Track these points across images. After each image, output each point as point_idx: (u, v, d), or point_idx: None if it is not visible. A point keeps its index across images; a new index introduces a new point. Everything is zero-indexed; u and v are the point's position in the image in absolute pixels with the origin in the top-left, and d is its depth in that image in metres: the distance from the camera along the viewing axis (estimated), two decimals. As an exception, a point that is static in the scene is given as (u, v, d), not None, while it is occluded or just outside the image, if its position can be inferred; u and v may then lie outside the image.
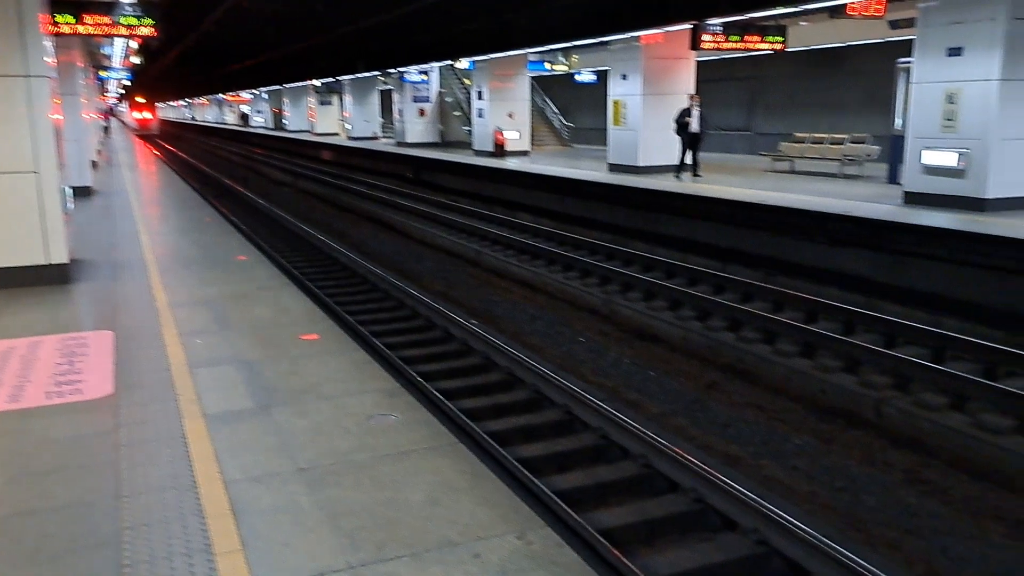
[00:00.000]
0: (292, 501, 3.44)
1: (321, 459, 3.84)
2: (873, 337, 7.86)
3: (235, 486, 3.58)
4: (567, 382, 6.50)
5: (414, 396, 4.86)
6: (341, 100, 37.44)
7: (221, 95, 54.95)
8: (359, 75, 30.03)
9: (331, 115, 39.31)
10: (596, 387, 7.16)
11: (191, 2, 17.62)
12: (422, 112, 29.39)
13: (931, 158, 10.69)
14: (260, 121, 51.79)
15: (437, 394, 6.28)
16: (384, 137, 35.12)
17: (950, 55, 10.28)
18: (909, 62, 11.41)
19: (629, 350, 8.38)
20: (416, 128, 29.26)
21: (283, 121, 45.26)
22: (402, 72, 27.42)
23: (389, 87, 32.10)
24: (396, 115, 30.22)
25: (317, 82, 35.49)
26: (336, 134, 38.55)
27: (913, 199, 10.98)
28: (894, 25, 15.22)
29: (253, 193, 21.24)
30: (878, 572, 3.81)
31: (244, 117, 55.91)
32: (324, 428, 4.21)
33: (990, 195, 10.10)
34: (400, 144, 29.54)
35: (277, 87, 42.20)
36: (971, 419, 6.06)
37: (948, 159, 10.44)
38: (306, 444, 4.02)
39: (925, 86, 10.74)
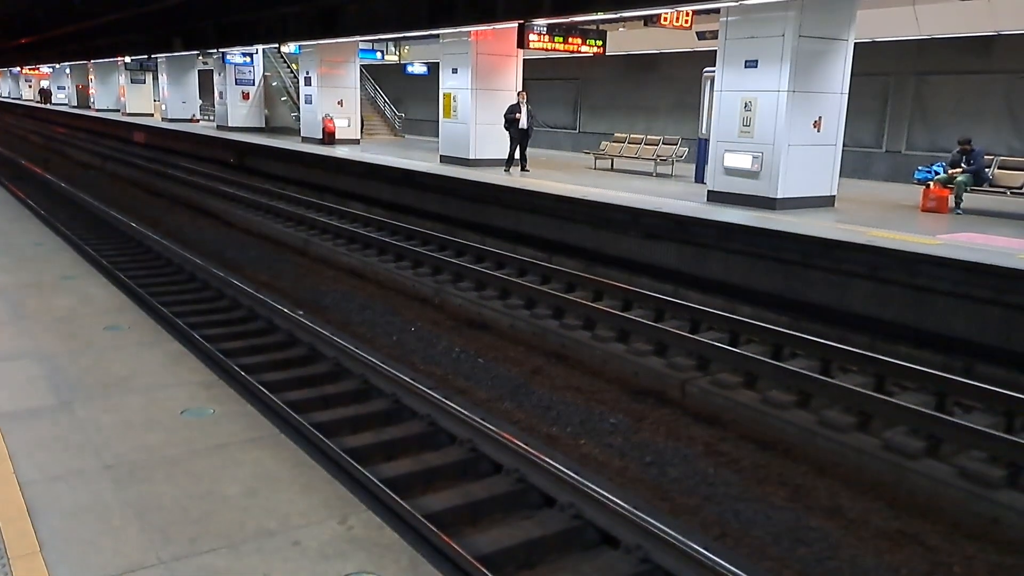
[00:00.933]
0: (97, 499, 3.30)
1: (130, 455, 3.69)
2: (680, 323, 8.50)
3: (32, 487, 3.38)
4: (396, 371, 6.57)
5: (234, 389, 4.76)
6: (156, 79, 35.12)
7: (16, 68, 49.86)
8: (176, 53, 28.31)
9: (144, 94, 36.80)
10: (425, 375, 7.28)
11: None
12: (246, 96, 28.16)
13: (731, 160, 11.67)
14: (62, 98, 47.49)
15: (257, 385, 6.14)
16: (204, 119, 33.33)
17: (747, 67, 11.26)
18: (713, 71, 12.36)
19: (459, 339, 8.56)
20: (239, 112, 28.00)
21: (90, 99, 41.76)
22: (224, 53, 26.14)
23: (209, 68, 30.50)
24: (217, 97, 28.79)
25: (128, 59, 33.08)
26: (150, 115, 36.15)
27: (716, 197, 11.93)
28: (701, 36, 16.41)
29: (55, 176, 19.53)
30: (679, 536, 4.19)
31: (45, 93, 50.96)
32: (134, 423, 4.03)
33: (780, 195, 11.17)
34: (221, 128, 28.18)
35: (83, 62, 38.89)
36: (760, 396, 6.73)
37: (745, 162, 11.44)
38: (113, 440, 3.84)
39: (726, 94, 11.70)
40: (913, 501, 5.31)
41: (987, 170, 11.84)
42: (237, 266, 11.38)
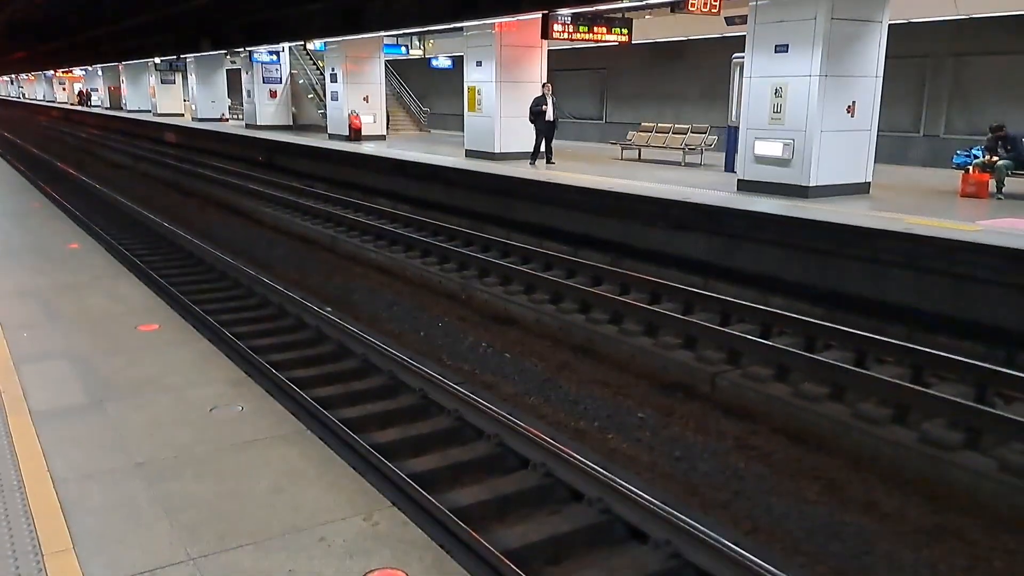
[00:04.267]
0: (128, 497, 3.33)
1: (160, 453, 3.73)
2: (709, 316, 8.38)
3: (65, 484, 3.42)
4: (424, 367, 6.56)
5: (263, 386, 4.78)
6: (185, 79, 35.52)
7: (51, 72, 50.74)
8: (204, 53, 28.59)
9: (174, 94, 37.25)
10: (453, 371, 7.27)
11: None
12: (273, 94, 28.36)
13: (761, 148, 11.48)
14: (95, 100, 48.25)
15: (285, 380, 6.17)
16: (233, 119, 33.66)
17: (777, 52, 11.05)
18: (742, 57, 12.16)
19: (486, 334, 8.54)
20: (267, 110, 28.21)
21: (121, 100, 42.37)
22: (251, 52, 26.35)
23: (237, 67, 30.77)
24: (245, 96, 29.03)
25: (158, 59, 33.50)
26: (180, 115, 36.57)
27: (746, 186, 11.74)
28: (730, 21, 16.15)
29: (88, 177, 19.84)
30: (708, 530, 4.12)
31: (84, 95, 51.75)
32: (163, 421, 4.07)
33: (812, 183, 10.97)
34: (250, 126, 28.41)
35: (114, 64, 39.45)
36: (792, 389, 6.61)
37: (776, 149, 11.24)
38: (143, 438, 3.88)
39: (756, 80, 11.50)
40: (952, 495, 5.17)
41: (1028, 153, 11.52)
42: (266, 264, 11.46)
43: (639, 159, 17.33)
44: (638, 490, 4.53)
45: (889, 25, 11.38)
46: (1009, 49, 15.73)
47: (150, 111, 38.20)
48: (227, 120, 33.24)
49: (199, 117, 33.24)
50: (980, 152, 11.82)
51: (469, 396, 5.92)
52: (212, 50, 27.03)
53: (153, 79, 37.19)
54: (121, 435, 3.91)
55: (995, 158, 11.32)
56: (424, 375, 6.38)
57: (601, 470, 4.75)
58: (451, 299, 9.88)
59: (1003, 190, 11.16)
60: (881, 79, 11.35)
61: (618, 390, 6.99)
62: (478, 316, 9.19)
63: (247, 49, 25.86)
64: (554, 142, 16.30)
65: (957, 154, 12.79)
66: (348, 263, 11.82)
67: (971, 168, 11.57)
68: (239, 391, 4.50)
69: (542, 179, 13.50)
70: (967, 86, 16.76)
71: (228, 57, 31.20)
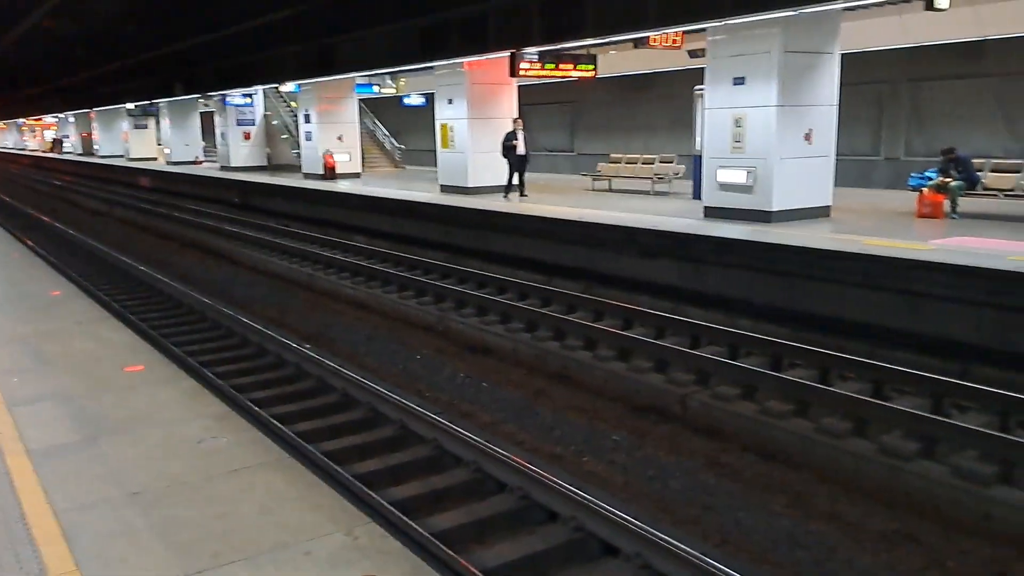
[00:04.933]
0: (125, 523, 3.54)
1: (153, 483, 3.94)
2: (680, 339, 8.66)
3: (65, 514, 3.63)
4: (402, 398, 6.76)
5: (247, 419, 4.97)
6: (158, 123, 35.73)
7: (21, 119, 50.70)
8: (177, 98, 28.86)
9: (148, 139, 37.45)
10: (431, 401, 7.47)
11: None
12: (247, 135, 28.65)
13: (724, 176, 11.88)
14: (67, 147, 48.27)
15: (267, 416, 6.34)
16: (207, 161, 33.85)
17: (735, 84, 11.49)
18: (703, 89, 12.61)
19: (463, 364, 8.74)
20: (241, 152, 28.48)
21: (93, 146, 42.44)
22: (224, 95, 26.66)
23: (211, 109, 31.05)
24: (219, 138, 29.30)
25: (131, 104, 33.71)
26: (154, 159, 36.72)
27: (712, 213, 12.12)
28: (692, 55, 16.68)
29: (65, 224, 19.90)
30: (678, 544, 4.33)
31: (57, 143, 51.69)
32: (154, 454, 4.28)
33: (774, 208, 11.35)
34: (224, 168, 28.64)
35: (86, 110, 39.58)
36: (759, 407, 6.88)
37: (738, 177, 11.64)
38: (137, 470, 4.09)
39: (716, 111, 11.93)
40: (910, 501, 5.43)
41: (978, 173, 12.01)
42: (245, 304, 11.62)
43: (610, 189, 17.73)
44: (611, 508, 4.74)
45: (846, 54, 11.88)
46: (960, 73, 16.39)
47: (123, 156, 38.30)
48: (201, 163, 33.43)
49: (173, 160, 33.40)
50: (934, 174, 12.28)
51: (447, 425, 6.12)
52: (186, 94, 27.32)
53: (126, 124, 37.35)
54: (115, 468, 4.11)
55: (948, 180, 11.79)
56: (403, 406, 6.57)
57: (576, 490, 4.97)
58: (428, 331, 10.09)
59: (957, 210, 11.62)
60: (836, 107, 11.81)
61: (593, 414, 7.21)
62: (455, 347, 9.39)
63: (220, 92, 26.15)
64: (526, 175, 16.67)
65: (912, 176, 13.26)
66: (326, 300, 12.00)
67: (925, 190, 12.03)
68: (224, 425, 4.70)
69: (516, 211, 13.81)
70: (923, 110, 17.40)
71: (201, 100, 31.47)
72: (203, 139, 35.13)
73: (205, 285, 12.85)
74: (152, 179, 31.35)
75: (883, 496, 5.53)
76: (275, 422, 6.21)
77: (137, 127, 36.77)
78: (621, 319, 9.53)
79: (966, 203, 11.85)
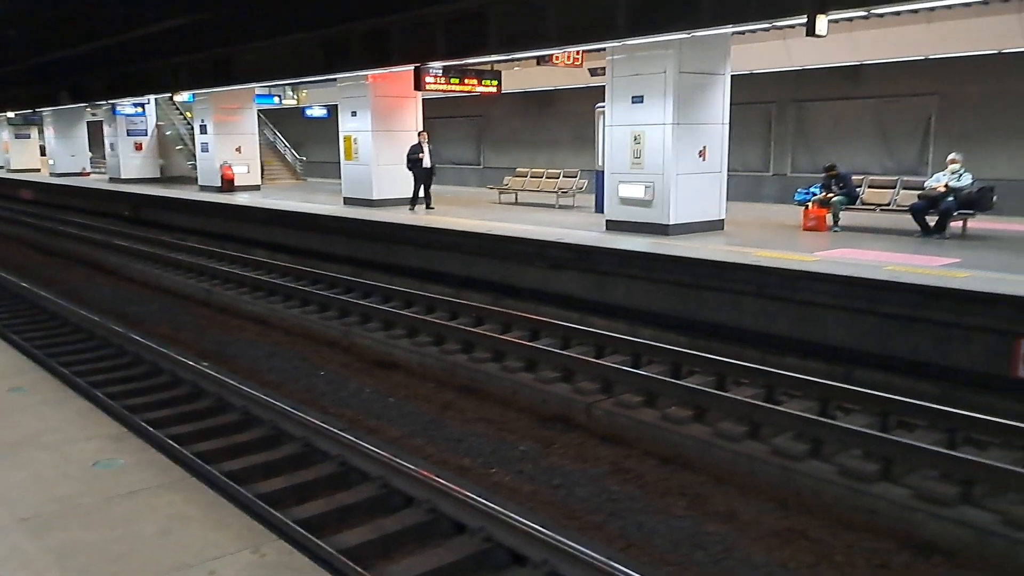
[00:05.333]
0: (15, 549, 3.36)
1: (44, 507, 3.74)
2: (585, 349, 8.84)
3: (-55, 546, 3.37)
4: (306, 415, 6.64)
5: (144, 439, 4.79)
6: (42, 132, 33.93)
7: None
8: (63, 107, 27.52)
9: (30, 149, 35.52)
10: (336, 417, 7.36)
11: None
12: (138, 146, 27.57)
13: (625, 191, 12.23)
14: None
15: (163, 438, 6.11)
16: (95, 172, 32.37)
17: (634, 102, 11.87)
18: (604, 106, 12.95)
19: (369, 379, 8.66)
20: (132, 163, 27.37)
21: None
22: (114, 104, 25.57)
23: (99, 119, 29.74)
24: (108, 149, 28.07)
25: (11, 113, 31.92)
26: (37, 170, 34.84)
27: (614, 226, 12.44)
28: (593, 73, 17.13)
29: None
30: (583, 549, 4.43)
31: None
32: (45, 477, 4.07)
33: (672, 221, 11.76)
34: (114, 180, 27.47)
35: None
36: (660, 413, 7.10)
37: (638, 191, 12.01)
38: (26, 494, 3.88)
39: (616, 128, 12.28)
40: (800, 500, 5.72)
41: (858, 189, 12.78)
42: (137, 321, 11.16)
43: (516, 202, 17.94)
44: (518, 517, 4.80)
45: (736, 75, 12.45)
46: (840, 95, 17.42)
47: (2, 167, 36.18)
48: (88, 174, 31.94)
49: (57, 172, 31.80)
50: (818, 190, 12.99)
51: (353, 441, 6.05)
52: (72, 103, 26.08)
53: (6, 134, 35.34)
54: (2, 493, 3.88)
55: (830, 195, 12.49)
56: (306, 423, 6.45)
57: (483, 501, 5.00)
58: (333, 347, 9.94)
59: (839, 223, 12.32)
60: (728, 126, 12.35)
61: (501, 426, 7.27)
62: (361, 362, 9.29)
63: (110, 101, 25.09)
64: (433, 187, 16.68)
65: (798, 191, 13.98)
66: (224, 316, 11.66)
67: (810, 204, 12.70)
68: (121, 446, 4.51)
69: (422, 224, 13.80)
70: (807, 129, 18.40)
71: (89, 110, 30.12)
72: (91, 149, 33.57)
73: (94, 303, 12.27)
74: (35, 191, 29.71)
75: (776, 496, 5.79)
76: (172, 443, 5.99)
77: (19, 136, 34.83)
78: (528, 330, 9.64)
79: (847, 217, 12.58)
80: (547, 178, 18.04)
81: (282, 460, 6.10)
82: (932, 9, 12.73)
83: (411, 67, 13.98)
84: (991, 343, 7.49)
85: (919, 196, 11.55)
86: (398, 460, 5.67)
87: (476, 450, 6.74)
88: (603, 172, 13.58)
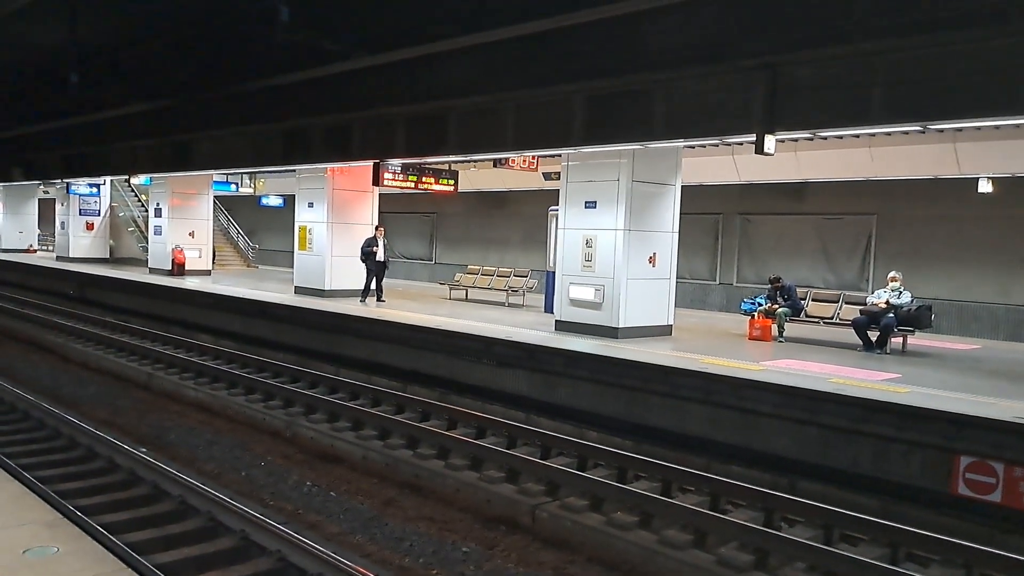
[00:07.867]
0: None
1: (-30, 597, 3.53)
2: (531, 449, 8.81)
3: None
4: (245, 507, 6.45)
5: (80, 526, 4.60)
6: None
7: None
8: (15, 183, 27.25)
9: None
10: (275, 511, 7.15)
11: None
12: (90, 226, 27.28)
13: (575, 292, 12.47)
14: None
15: (96, 527, 5.86)
16: (43, 250, 31.77)
17: (587, 207, 12.27)
18: (557, 209, 13.34)
19: (311, 472, 8.46)
20: (82, 242, 27.01)
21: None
22: (68, 183, 25.41)
23: (51, 196, 29.43)
24: (59, 227, 27.69)
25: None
26: (-19, 245, 34.07)
27: (563, 327, 12.61)
28: (547, 177, 17.72)
29: None
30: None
31: None
32: (-28, 565, 3.85)
33: (621, 324, 11.98)
34: (61, 259, 26.97)
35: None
36: (606, 518, 7.06)
37: (588, 294, 12.26)
38: (-51, 584, 3.66)
39: (569, 231, 12.63)
40: (744, 610, 5.69)
41: (802, 301, 13.24)
42: (74, 403, 10.80)
43: (466, 299, 18.07)
44: (460, 621, 4.68)
45: (687, 186, 12.99)
46: (784, 210, 18.27)
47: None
48: (35, 251, 31.34)
49: (2, 248, 31.17)
50: (763, 300, 13.41)
51: (291, 536, 5.88)
52: (25, 180, 25.85)
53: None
54: (-82, 586, 3.67)
55: (775, 306, 12.91)
56: (245, 515, 6.26)
57: (424, 603, 4.88)
58: (275, 437, 9.72)
59: (783, 334, 12.68)
60: (677, 234, 12.80)
61: (444, 525, 7.13)
62: (303, 454, 9.09)
63: (65, 180, 24.94)
64: (385, 281, 16.75)
65: (744, 301, 14.43)
66: (165, 401, 11.35)
67: (756, 314, 13.09)
68: (54, 532, 4.31)
69: (373, 316, 13.78)
70: (753, 241, 19.15)
71: (41, 187, 29.86)
72: (40, 227, 33.08)
73: (29, 382, 11.85)
74: (-25, 265, 28.95)
75: (720, 605, 5.76)
76: (104, 532, 5.74)
77: (-36, 211, 34.16)
78: (474, 428, 9.59)
79: (792, 328, 12.97)
80: (498, 276, 18.30)
81: (216, 554, 5.87)
82: (873, 135, 13.63)
83: (371, 162, 14.28)
84: (930, 459, 7.65)
85: (861, 311, 12.00)
86: (337, 557, 5.51)
87: (418, 550, 6.59)
88: (554, 273, 13.86)
